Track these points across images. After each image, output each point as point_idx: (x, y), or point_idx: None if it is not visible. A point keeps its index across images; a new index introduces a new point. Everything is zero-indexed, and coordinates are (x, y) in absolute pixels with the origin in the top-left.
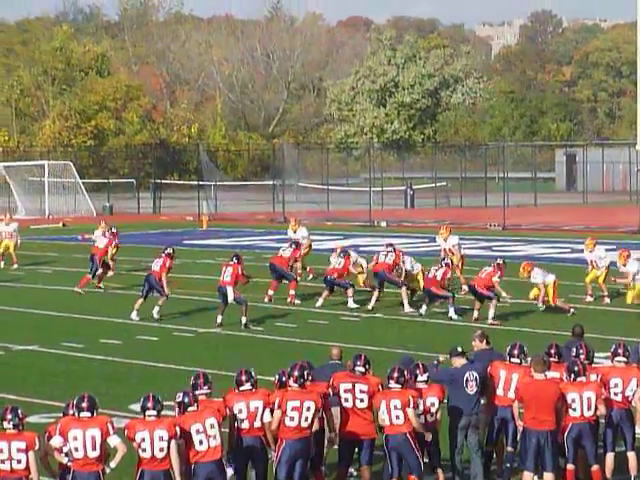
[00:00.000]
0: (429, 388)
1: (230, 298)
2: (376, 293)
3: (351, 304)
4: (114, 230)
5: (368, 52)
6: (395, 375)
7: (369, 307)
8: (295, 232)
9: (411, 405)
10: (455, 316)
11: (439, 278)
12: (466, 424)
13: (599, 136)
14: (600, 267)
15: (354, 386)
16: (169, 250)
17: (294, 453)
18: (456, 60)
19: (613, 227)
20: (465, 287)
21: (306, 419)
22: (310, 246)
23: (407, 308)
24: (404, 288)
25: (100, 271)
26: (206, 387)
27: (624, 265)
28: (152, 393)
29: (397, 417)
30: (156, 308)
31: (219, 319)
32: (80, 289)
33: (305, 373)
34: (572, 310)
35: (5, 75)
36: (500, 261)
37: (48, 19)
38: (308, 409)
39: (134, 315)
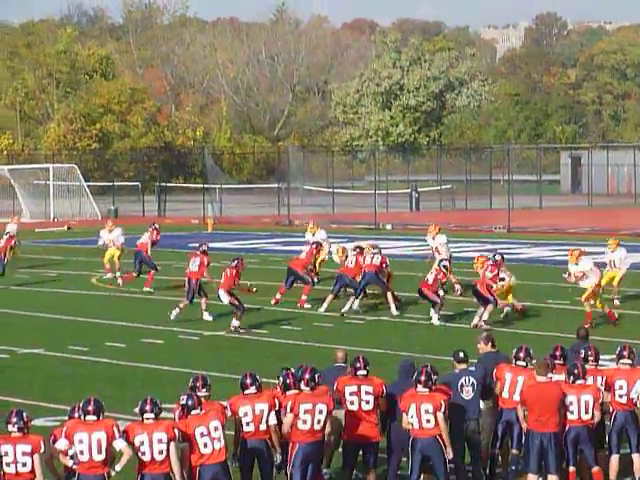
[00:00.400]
0: (436, 389)
1: (225, 301)
2: (330, 298)
3: (394, 311)
4: (157, 226)
5: (373, 55)
6: (423, 379)
7: (342, 310)
8: (314, 235)
9: (442, 409)
10: (437, 322)
11: (430, 281)
12: (464, 429)
13: (604, 138)
14: (619, 267)
15: (359, 388)
16: (204, 247)
17: (307, 456)
18: (461, 63)
19: (618, 229)
20: (458, 286)
21: (318, 422)
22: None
23: (395, 311)
24: (389, 292)
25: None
26: (204, 390)
27: (576, 264)
28: (150, 396)
29: (428, 421)
30: (176, 310)
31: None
32: (149, 288)
33: (316, 376)
34: (522, 306)
35: (10, 78)
36: (498, 257)
37: (52, 22)
38: (320, 412)
39: (207, 316)
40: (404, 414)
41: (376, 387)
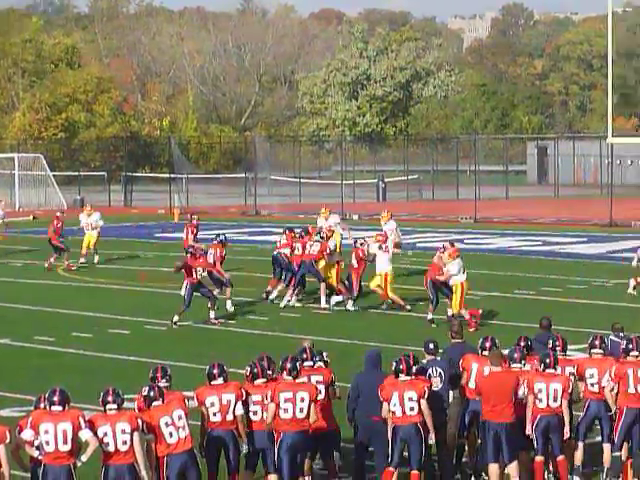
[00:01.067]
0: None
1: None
2: (281, 286)
3: (324, 303)
4: (195, 222)
5: (340, 45)
6: (404, 367)
7: (282, 305)
8: (326, 220)
9: (425, 396)
10: (352, 308)
11: (356, 265)
12: (438, 418)
13: (570, 129)
14: None
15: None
16: (221, 237)
17: (292, 445)
18: (428, 53)
19: (584, 220)
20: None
21: (301, 410)
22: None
23: (324, 303)
24: (324, 284)
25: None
26: (164, 380)
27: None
28: (112, 387)
29: (411, 409)
30: (228, 302)
31: (211, 313)
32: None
33: (297, 364)
34: (408, 307)
35: None
36: (447, 244)
37: (18, 11)
38: (302, 400)
39: (229, 306)
40: (385, 403)
41: (325, 376)
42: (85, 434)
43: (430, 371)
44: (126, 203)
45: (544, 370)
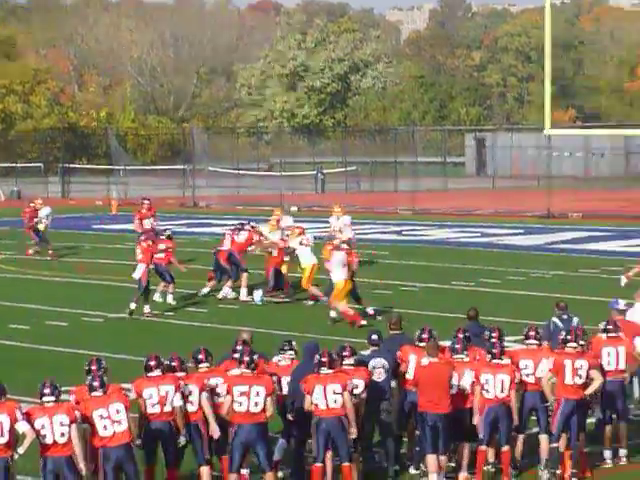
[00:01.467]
0: (355, 370)
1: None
2: (213, 283)
3: (243, 295)
4: (146, 206)
5: (278, 36)
6: (325, 360)
7: (219, 296)
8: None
9: (349, 388)
10: (259, 301)
11: (275, 254)
12: (376, 410)
13: (508, 121)
14: None
15: None
16: (168, 232)
17: (245, 438)
18: (366, 44)
19: (522, 212)
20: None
21: (256, 404)
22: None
23: (243, 296)
24: (246, 274)
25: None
26: (99, 372)
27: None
28: (49, 379)
29: (335, 401)
30: (169, 296)
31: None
32: None
33: (255, 357)
34: (324, 298)
35: None
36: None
37: None
38: (257, 394)
39: (170, 299)
40: (307, 396)
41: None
42: (22, 426)
43: (374, 362)
44: (63, 195)
45: (491, 361)
